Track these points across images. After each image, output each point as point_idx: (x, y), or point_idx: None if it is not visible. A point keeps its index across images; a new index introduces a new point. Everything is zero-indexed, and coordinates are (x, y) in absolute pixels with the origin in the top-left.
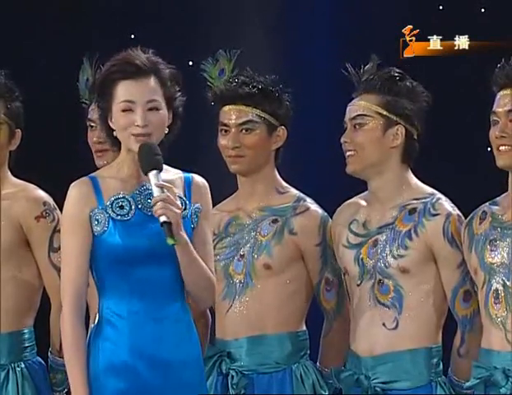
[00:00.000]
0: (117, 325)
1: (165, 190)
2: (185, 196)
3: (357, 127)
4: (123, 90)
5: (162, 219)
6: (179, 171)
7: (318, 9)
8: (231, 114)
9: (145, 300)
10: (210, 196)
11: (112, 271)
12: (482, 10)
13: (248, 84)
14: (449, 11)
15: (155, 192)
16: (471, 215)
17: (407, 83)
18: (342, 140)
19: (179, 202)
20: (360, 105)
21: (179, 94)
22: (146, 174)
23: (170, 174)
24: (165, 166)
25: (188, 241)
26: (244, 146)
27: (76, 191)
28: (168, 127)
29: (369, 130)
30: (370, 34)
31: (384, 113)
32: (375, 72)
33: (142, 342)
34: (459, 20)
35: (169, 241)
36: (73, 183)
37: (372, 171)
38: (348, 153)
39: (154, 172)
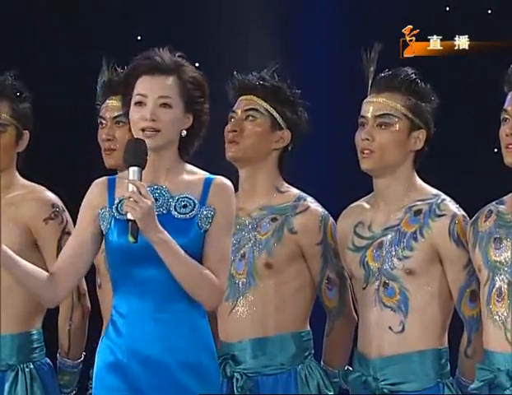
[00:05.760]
0: (117, 324)
1: (135, 187)
2: (200, 197)
3: (383, 126)
4: (139, 85)
5: (128, 216)
6: (205, 173)
7: (318, 9)
8: (241, 103)
9: (144, 300)
10: (232, 199)
11: (115, 269)
12: (489, 11)
13: (265, 79)
14: (453, 12)
15: (129, 188)
16: (477, 214)
17: (423, 84)
18: (361, 136)
19: (149, 202)
20: (385, 104)
21: (202, 99)
22: (127, 167)
23: (193, 175)
24: (191, 168)
25: (167, 240)
26: (242, 133)
27: (90, 189)
28: (187, 129)
29: (396, 131)
30: (370, 34)
31: (410, 115)
32: (398, 72)
33: (140, 342)
34: (462, 20)
35: (129, 238)
36: (94, 182)
37: (387, 171)
38: (366, 151)
39: (135, 168)
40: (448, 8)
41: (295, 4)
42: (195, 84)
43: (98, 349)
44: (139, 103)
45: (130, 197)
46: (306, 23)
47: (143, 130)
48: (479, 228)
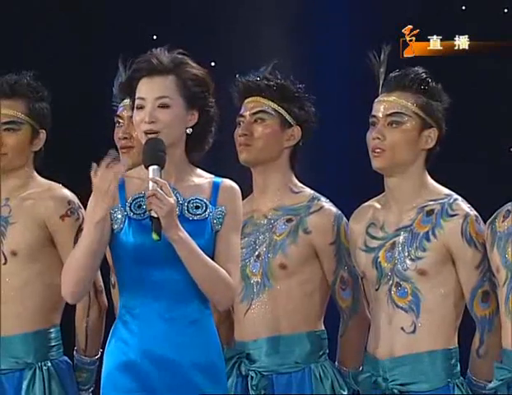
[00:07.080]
0: (129, 324)
1: (157, 185)
2: (210, 199)
3: (394, 125)
4: (139, 88)
5: (152, 214)
6: (212, 176)
7: (318, 10)
8: (248, 105)
9: (157, 300)
10: (239, 201)
11: (126, 269)
12: (505, 10)
13: (269, 79)
14: (453, 12)
15: (150, 186)
16: (495, 214)
17: (434, 84)
18: (372, 135)
19: (171, 200)
20: (396, 103)
21: (206, 94)
22: (146, 167)
23: (201, 178)
24: (198, 170)
25: (187, 239)
26: (253, 136)
27: None
28: (193, 126)
29: (406, 130)
30: (370, 34)
31: (421, 114)
32: (409, 72)
33: (152, 342)
34: (462, 20)
35: (154, 236)
36: None
37: (398, 170)
38: (377, 150)
39: (155, 167)
40: (464, 8)
41: (296, 5)
42: (196, 80)
43: (107, 350)
44: (140, 106)
45: (153, 195)
46: (306, 23)
47: (146, 133)
48: (497, 228)
